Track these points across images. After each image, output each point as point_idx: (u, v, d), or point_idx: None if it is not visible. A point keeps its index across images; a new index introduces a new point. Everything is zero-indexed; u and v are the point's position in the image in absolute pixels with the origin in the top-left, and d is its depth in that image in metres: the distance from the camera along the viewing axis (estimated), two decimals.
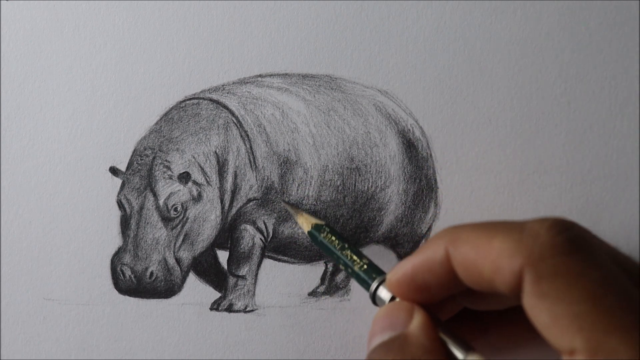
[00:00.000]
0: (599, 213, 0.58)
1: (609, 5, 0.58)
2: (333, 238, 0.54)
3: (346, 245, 0.53)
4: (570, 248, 0.41)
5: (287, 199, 0.58)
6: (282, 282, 0.58)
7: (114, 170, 0.59)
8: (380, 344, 0.45)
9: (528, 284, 0.41)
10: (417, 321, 0.45)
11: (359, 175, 0.59)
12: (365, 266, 0.52)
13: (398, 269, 0.47)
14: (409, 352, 0.44)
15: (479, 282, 0.43)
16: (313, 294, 0.59)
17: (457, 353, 0.44)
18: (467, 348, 0.44)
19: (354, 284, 0.59)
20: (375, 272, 0.51)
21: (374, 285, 0.50)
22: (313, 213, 0.58)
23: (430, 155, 0.59)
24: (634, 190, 0.58)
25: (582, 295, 0.40)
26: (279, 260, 0.59)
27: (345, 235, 0.57)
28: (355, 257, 0.52)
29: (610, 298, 0.39)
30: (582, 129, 0.58)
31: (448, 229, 0.45)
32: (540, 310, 0.40)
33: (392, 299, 0.48)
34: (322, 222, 0.56)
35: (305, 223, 0.56)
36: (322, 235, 0.55)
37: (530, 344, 0.52)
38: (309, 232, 0.56)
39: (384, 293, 0.49)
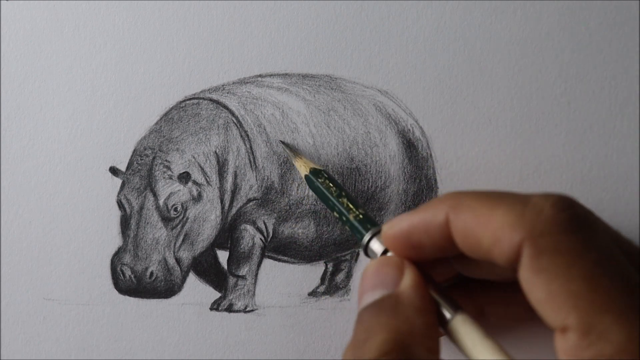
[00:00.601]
0: (599, 213, 0.58)
1: (609, 5, 0.58)
2: (330, 184, 0.53)
3: (343, 193, 0.52)
4: (573, 226, 0.41)
5: (285, 141, 0.57)
6: (282, 282, 0.58)
7: (114, 170, 0.59)
8: (372, 304, 0.45)
9: (526, 258, 0.40)
10: (408, 279, 0.45)
11: (359, 175, 0.59)
12: (360, 216, 0.50)
13: (394, 224, 0.46)
14: (401, 313, 0.43)
15: (476, 250, 0.43)
16: (313, 294, 0.59)
17: (446, 313, 0.44)
18: (456, 307, 0.44)
19: (354, 283, 0.59)
20: (370, 223, 0.50)
21: (367, 236, 0.49)
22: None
23: (430, 155, 0.59)
24: (634, 190, 0.58)
25: (580, 273, 0.39)
26: (279, 260, 0.59)
27: (343, 184, 0.55)
28: (351, 206, 0.51)
29: (608, 279, 0.39)
30: (582, 129, 0.58)
31: (451, 193, 0.45)
32: (536, 285, 0.40)
33: (385, 252, 0.47)
34: (321, 168, 0.55)
35: (303, 167, 0.55)
36: (319, 180, 0.53)
37: (522, 323, 0.52)
38: (305, 177, 0.54)
39: (376, 246, 0.48)
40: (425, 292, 0.44)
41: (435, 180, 0.59)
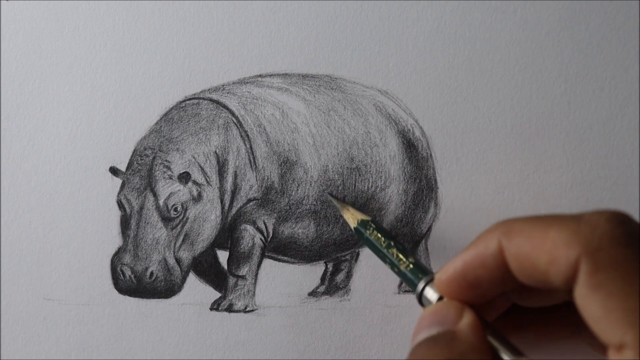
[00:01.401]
0: None
1: (609, 5, 0.58)
2: (379, 235, 0.53)
3: (392, 243, 0.52)
4: (630, 241, 0.40)
5: (333, 192, 0.58)
6: (282, 282, 0.58)
7: (114, 170, 0.59)
8: (427, 339, 0.44)
9: (583, 275, 0.40)
10: (466, 319, 0.44)
11: (359, 175, 0.59)
12: (411, 265, 0.50)
13: (448, 267, 0.46)
14: (456, 348, 0.43)
15: (532, 274, 0.42)
16: (313, 294, 0.59)
17: (505, 356, 0.44)
18: (517, 352, 0.44)
19: (354, 283, 0.59)
20: (421, 272, 0.49)
21: (420, 285, 0.48)
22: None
23: (430, 155, 0.59)
24: (634, 190, 0.58)
25: (638, 289, 0.39)
26: (279, 260, 0.59)
27: (392, 232, 0.55)
28: (401, 256, 0.51)
29: None
30: (582, 129, 0.58)
31: (500, 222, 0.44)
32: (593, 301, 0.40)
33: (440, 299, 0.47)
34: (369, 218, 0.54)
35: (351, 218, 0.55)
36: (368, 231, 0.53)
37: (569, 343, 0.52)
38: (354, 228, 0.54)
39: (430, 293, 0.48)
40: (482, 333, 0.44)
41: (435, 180, 0.59)
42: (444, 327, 0.45)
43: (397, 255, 0.51)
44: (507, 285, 0.45)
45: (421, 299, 0.49)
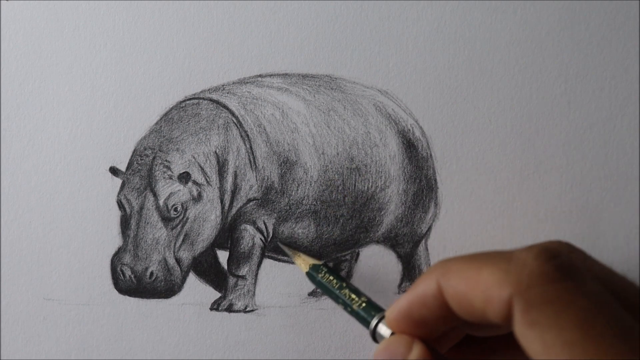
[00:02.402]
0: (599, 213, 0.58)
1: (609, 5, 0.58)
2: (331, 278, 0.54)
3: (344, 285, 0.53)
4: (559, 275, 0.41)
5: (283, 240, 0.59)
6: (282, 282, 0.58)
7: (114, 170, 0.59)
8: None
9: (518, 313, 0.41)
10: (415, 352, 0.46)
11: (359, 175, 0.59)
12: (363, 304, 0.52)
13: (395, 306, 0.47)
14: None
15: (472, 313, 0.44)
16: (313, 294, 0.59)
17: None
18: None
19: (354, 283, 0.59)
20: (374, 310, 0.51)
21: (373, 322, 0.50)
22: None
23: (430, 155, 0.59)
24: (634, 190, 0.58)
25: (571, 322, 0.40)
26: (279, 260, 0.59)
27: (342, 274, 0.56)
28: (353, 296, 0.52)
29: (600, 325, 0.40)
30: (582, 129, 0.58)
31: (439, 262, 0.46)
32: (531, 338, 0.40)
33: (392, 335, 0.48)
34: (320, 262, 0.56)
35: (302, 264, 0.56)
36: (319, 275, 0.55)
37: None
38: (306, 273, 0.56)
39: (383, 329, 0.49)
40: None
41: (435, 180, 0.59)
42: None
43: (350, 296, 0.53)
44: (452, 321, 0.46)
45: (374, 335, 0.50)
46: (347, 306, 0.53)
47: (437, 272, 0.45)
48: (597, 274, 0.45)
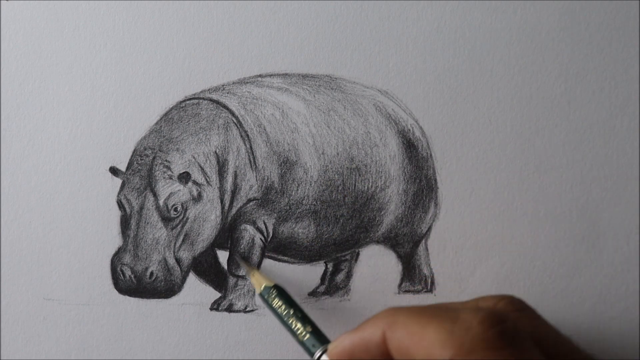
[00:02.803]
0: (599, 213, 0.58)
1: (609, 5, 0.58)
2: (280, 303, 0.54)
3: (291, 312, 0.53)
4: (500, 343, 0.42)
5: (242, 255, 0.58)
6: (282, 282, 0.58)
7: (114, 170, 0.59)
8: None
9: None
10: None
11: (359, 175, 0.59)
12: (307, 335, 0.52)
13: (338, 344, 0.48)
14: None
15: None
16: (313, 294, 0.59)
17: None
18: None
19: (354, 283, 0.59)
20: (317, 340, 0.51)
21: (316, 355, 0.50)
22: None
23: (430, 155, 0.59)
24: (634, 190, 0.58)
25: None
26: (279, 260, 0.59)
27: (293, 300, 0.55)
28: (298, 325, 0.53)
29: None
30: (582, 129, 0.58)
31: (388, 310, 0.46)
32: None
33: None
34: (271, 284, 0.55)
35: (257, 283, 0.56)
36: (269, 298, 0.55)
37: None
38: (259, 294, 0.56)
39: None
40: None
41: (435, 180, 0.59)
42: None
43: (295, 325, 0.53)
44: None
45: None
46: (293, 334, 0.53)
47: (384, 322, 0.45)
48: (542, 338, 0.46)
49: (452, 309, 0.45)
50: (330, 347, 0.49)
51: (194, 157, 0.59)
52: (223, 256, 0.59)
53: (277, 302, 0.54)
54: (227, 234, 0.59)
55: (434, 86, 0.59)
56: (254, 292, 0.58)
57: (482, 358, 0.41)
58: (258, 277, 0.56)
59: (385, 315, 0.46)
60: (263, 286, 0.55)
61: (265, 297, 0.55)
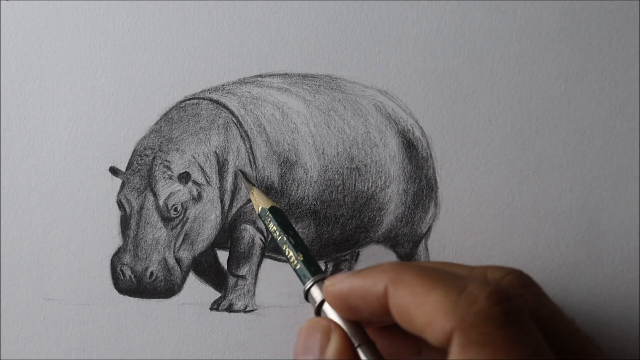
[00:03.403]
0: (599, 213, 0.58)
1: (609, 5, 0.58)
2: (274, 227, 0.53)
3: (285, 238, 0.52)
4: (504, 320, 0.41)
5: (244, 170, 0.58)
6: (282, 282, 0.58)
7: (114, 170, 0.59)
8: None
9: (455, 347, 0.41)
10: (332, 347, 0.46)
11: (359, 175, 0.59)
12: (298, 264, 0.51)
13: (336, 282, 0.47)
14: None
15: (410, 327, 0.44)
16: None
17: None
18: None
19: None
20: (311, 269, 0.50)
21: (307, 284, 0.50)
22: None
23: (430, 155, 0.59)
24: (634, 190, 0.58)
25: None
26: (279, 260, 0.59)
27: (289, 223, 0.54)
28: (291, 253, 0.51)
29: None
30: (582, 129, 0.58)
31: (393, 265, 0.46)
32: None
33: (322, 301, 0.48)
34: (268, 206, 0.54)
35: (255, 204, 0.55)
36: (266, 221, 0.54)
37: None
38: (259, 214, 0.55)
39: (316, 293, 0.49)
40: (349, 358, 0.46)
41: (435, 180, 0.59)
42: (314, 355, 0.47)
43: (288, 252, 0.52)
44: (387, 320, 0.46)
45: (307, 296, 0.50)
46: (288, 259, 0.52)
47: (389, 276, 0.45)
48: (547, 315, 0.46)
49: (459, 276, 0.44)
50: (327, 283, 0.48)
51: (194, 157, 0.59)
52: (223, 256, 0.59)
53: (272, 226, 0.53)
54: (227, 234, 0.59)
55: (434, 86, 0.59)
56: (254, 292, 0.59)
57: (483, 333, 0.41)
58: (257, 196, 0.55)
59: (391, 269, 0.45)
60: (260, 208, 0.54)
61: (263, 219, 0.54)
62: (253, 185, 0.57)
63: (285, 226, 0.53)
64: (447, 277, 0.44)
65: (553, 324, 0.46)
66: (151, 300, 0.58)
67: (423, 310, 0.42)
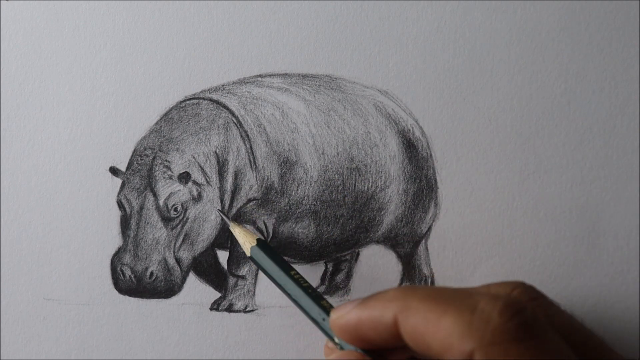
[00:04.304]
0: (599, 213, 0.58)
1: (609, 5, 0.58)
2: (266, 264, 0.54)
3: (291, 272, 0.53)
4: (522, 334, 0.41)
5: (223, 210, 0.58)
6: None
7: (114, 170, 0.59)
8: None
9: None
10: None
11: (359, 175, 0.59)
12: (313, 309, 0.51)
13: (342, 314, 0.47)
14: None
15: (427, 353, 0.43)
16: None
17: None
18: None
19: (354, 283, 0.59)
20: (325, 304, 0.50)
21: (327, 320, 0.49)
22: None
23: (430, 155, 0.59)
24: (634, 190, 0.58)
25: None
26: None
27: (278, 256, 0.55)
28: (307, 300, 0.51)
29: None
30: (582, 129, 0.58)
31: (398, 292, 0.45)
32: None
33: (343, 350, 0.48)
34: (254, 242, 0.55)
35: (241, 243, 0.55)
36: (257, 259, 0.54)
37: None
38: (250, 256, 0.55)
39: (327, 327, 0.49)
40: None
41: (435, 180, 0.59)
42: None
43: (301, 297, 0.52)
44: (400, 345, 0.45)
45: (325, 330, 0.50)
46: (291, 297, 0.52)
47: (396, 305, 0.44)
48: (559, 325, 0.45)
49: (467, 294, 0.43)
50: (332, 316, 0.47)
51: (194, 157, 0.59)
52: (223, 256, 0.59)
53: (263, 263, 0.53)
54: (227, 234, 0.59)
55: (434, 86, 0.59)
56: (254, 292, 0.58)
57: (504, 350, 0.41)
58: (240, 234, 0.55)
59: (396, 297, 0.45)
60: (258, 238, 0.54)
61: (254, 258, 0.54)
62: (231, 220, 0.57)
63: (276, 259, 0.53)
64: (456, 297, 0.43)
65: (568, 331, 0.46)
66: (151, 300, 0.58)
67: (438, 336, 0.42)
